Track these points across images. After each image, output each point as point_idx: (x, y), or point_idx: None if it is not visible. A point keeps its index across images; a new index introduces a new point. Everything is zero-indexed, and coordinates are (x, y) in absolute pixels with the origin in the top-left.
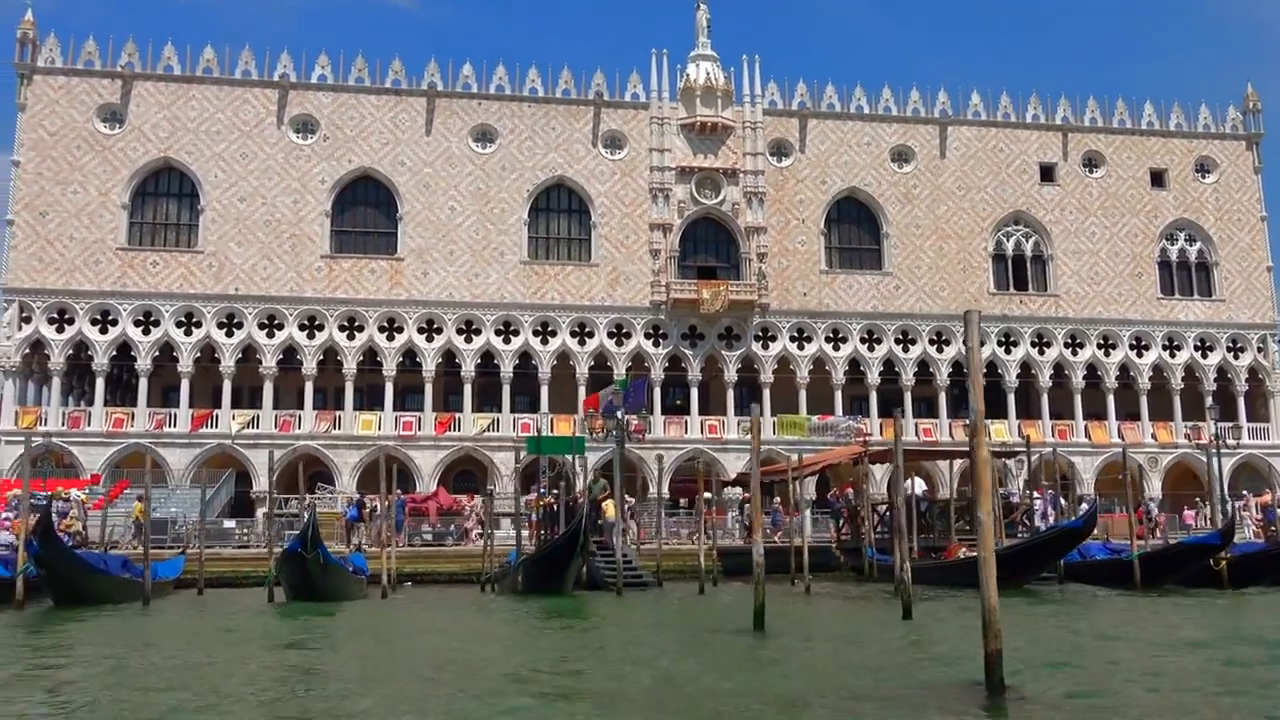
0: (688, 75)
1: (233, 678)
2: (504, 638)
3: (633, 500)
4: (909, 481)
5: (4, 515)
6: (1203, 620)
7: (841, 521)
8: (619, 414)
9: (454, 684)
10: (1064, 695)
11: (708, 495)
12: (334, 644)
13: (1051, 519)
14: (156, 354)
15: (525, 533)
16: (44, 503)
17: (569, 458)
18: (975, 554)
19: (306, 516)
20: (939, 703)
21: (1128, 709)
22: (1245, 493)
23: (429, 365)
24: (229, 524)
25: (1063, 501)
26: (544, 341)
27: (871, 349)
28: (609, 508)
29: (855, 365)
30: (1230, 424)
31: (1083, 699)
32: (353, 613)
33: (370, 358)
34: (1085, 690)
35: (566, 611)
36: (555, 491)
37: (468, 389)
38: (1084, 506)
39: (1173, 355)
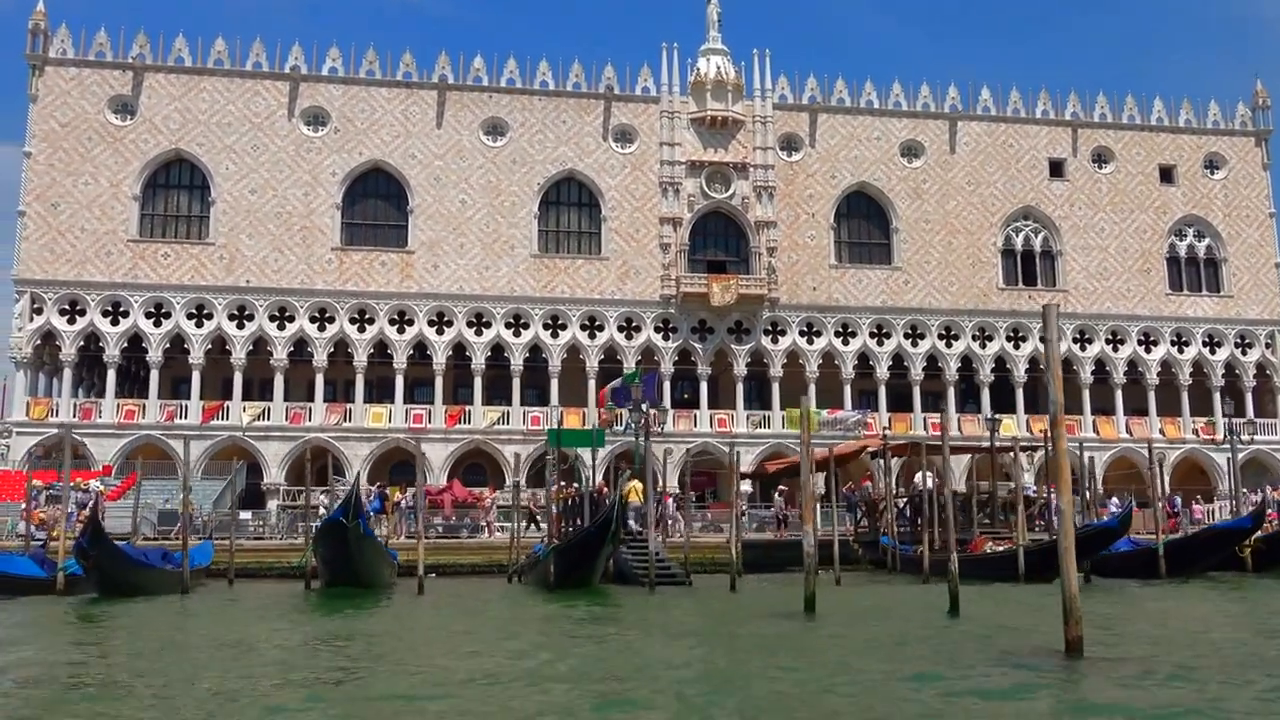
0: (698, 69)
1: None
2: (591, 640)
3: (678, 493)
4: (920, 475)
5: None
6: (1246, 597)
7: (860, 514)
8: (643, 405)
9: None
10: (1141, 658)
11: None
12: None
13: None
14: (167, 346)
15: (543, 525)
16: (91, 498)
17: (578, 451)
18: (1002, 548)
19: (349, 487)
20: (1031, 664)
21: (1200, 669)
22: (1246, 490)
23: (439, 358)
24: (244, 515)
25: (1086, 494)
26: (554, 335)
27: (880, 344)
28: (631, 492)
29: (864, 360)
30: (1244, 419)
31: (1162, 666)
32: (396, 608)
33: (380, 350)
34: (1160, 658)
35: (611, 608)
36: (576, 484)
37: (478, 382)
38: (1114, 501)
39: (1181, 351)
